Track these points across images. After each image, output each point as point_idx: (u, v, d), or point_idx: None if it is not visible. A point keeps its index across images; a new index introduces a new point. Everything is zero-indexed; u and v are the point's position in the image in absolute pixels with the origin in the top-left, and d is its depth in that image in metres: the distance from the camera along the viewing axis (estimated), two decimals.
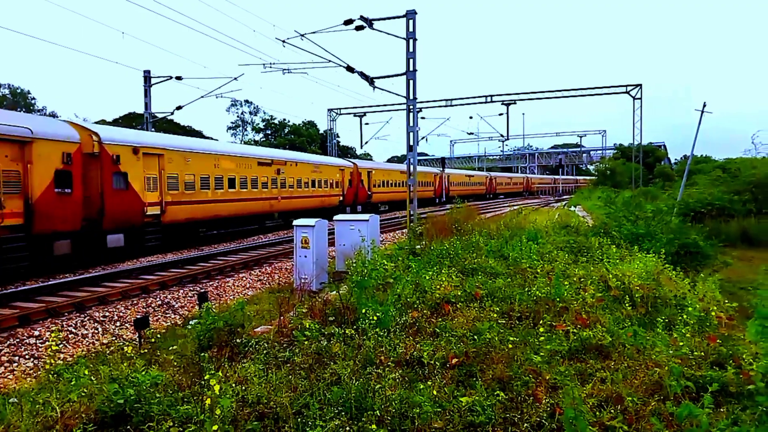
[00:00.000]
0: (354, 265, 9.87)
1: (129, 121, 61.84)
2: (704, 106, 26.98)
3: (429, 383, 4.44)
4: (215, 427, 3.44)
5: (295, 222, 13.05)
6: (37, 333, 9.63)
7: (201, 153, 21.50)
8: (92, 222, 16.02)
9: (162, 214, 18.86)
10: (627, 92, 44.78)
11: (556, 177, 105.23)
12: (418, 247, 13.19)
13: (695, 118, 27.24)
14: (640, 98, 44.45)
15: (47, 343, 8.92)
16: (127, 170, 17.24)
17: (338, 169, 34.77)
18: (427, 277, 7.90)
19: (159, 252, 19.16)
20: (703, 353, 4.99)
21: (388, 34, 20.67)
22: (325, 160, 35.44)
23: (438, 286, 7.46)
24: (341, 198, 34.64)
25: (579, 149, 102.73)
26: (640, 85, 44.40)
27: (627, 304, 6.86)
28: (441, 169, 55.89)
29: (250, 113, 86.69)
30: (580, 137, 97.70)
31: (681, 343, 5.09)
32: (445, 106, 47.84)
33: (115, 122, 62.29)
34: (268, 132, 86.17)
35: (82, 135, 15.88)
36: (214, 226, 22.61)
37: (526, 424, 3.88)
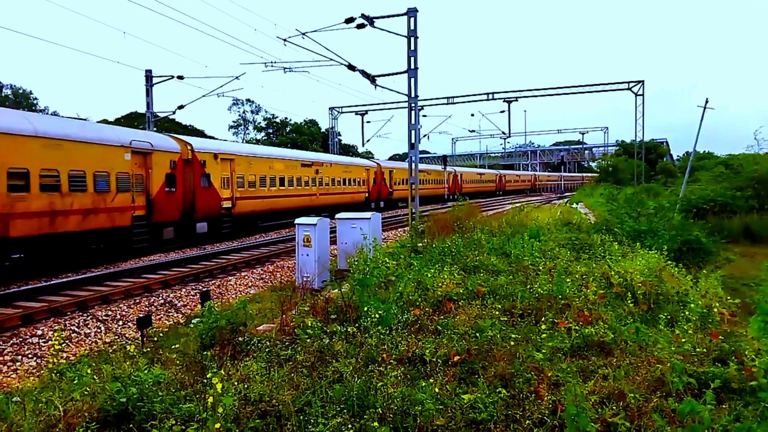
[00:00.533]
0: (356, 263, 9.88)
1: (131, 120, 61.91)
2: (707, 102, 26.91)
3: (431, 381, 4.44)
4: (218, 425, 3.45)
5: (297, 221, 13.06)
6: (39, 332, 9.66)
7: (260, 157, 25.98)
8: (186, 213, 20.23)
9: (232, 207, 23.04)
10: (629, 89, 44.69)
11: (563, 174, 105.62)
12: (420, 245, 13.18)
13: (697, 115, 27.18)
14: (642, 94, 44.37)
15: (50, 342, 8.93)
16: (210, 172, 21.46)
17: (365, 169, 38.79)
18: (429, 275, 7.90)
19: (231, 238, 22.97)
20: (705, 350, 4.98)
21: (390, 32, 20.66)
22: (354, 161, 39.49)
23: (440, 284, 7.46)
24: (367, 194, 38.63)
25: (581, 146, 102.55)
26: (642, 81, 44.33)
27: (629, 301, 6.86)
28: (443, 167, 55.90)
29: (252, 112, 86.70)
30: (582, 134, 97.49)
31: (683, 340, 5.08)
32: (447, 103, 47.81)
33: (117, 122, 62.37)
34: (270, 131, 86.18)
35: (181, 145, 20.14)
36: (269, 218, 26.99)
37: (528, 421, 3.88)
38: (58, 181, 14.63)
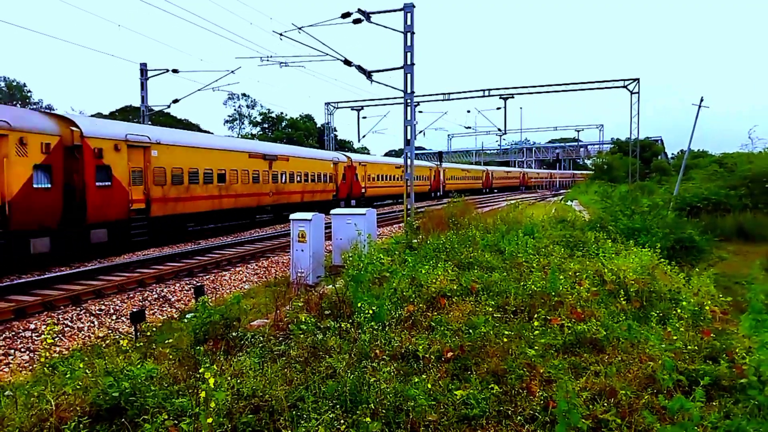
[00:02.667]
0: (350, 259, 9.88)
1: (125, 114, 61.53)
2: (701, 100, 26.99)
3: (424, 377, 4.46)
4: (210, 420, 3.45)
5: (292, 216, 13.04)
6: (32, 326, 9.62)
7: (377, 163, 44.61)
8: (348, 194, 36.75)
9: (365, 192, 39.74)
10: (625, 86, 44.72)
11: (575, 172, 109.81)
12: (415, 241, 13.20)
13: (693, 113, 27.25)
14: (638, 92, 44.39)
15: (43, 336, 8.90)
16: (358, 172, 38.35)
17: (429, 169, 56.49)
18: (423, 271, 7.91)
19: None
20: (696, 347, 5.02)
21: (386, 27, 20.60)
22: (423, 164, 57.43)
23: (434, 280, 7.48)
24: (429, 187, 56.02)
25: (576, 144, 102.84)
26: (638, 79, 44.33)
27: (622, 299, 6.89)
28: (438, 163, 56.57)
29: (248, 107, 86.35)
30: (578, 131, 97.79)
31: (675, 337, 5.11)
32: (443, 100, 47.74)
33: (112, 115, 61.98)
34: (266, 126, 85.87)
35: (347, 158, 37.26)
36: (381, 199, 45.10)
37: (519, 417, 3.90)
38: (315, 178, 31.75)
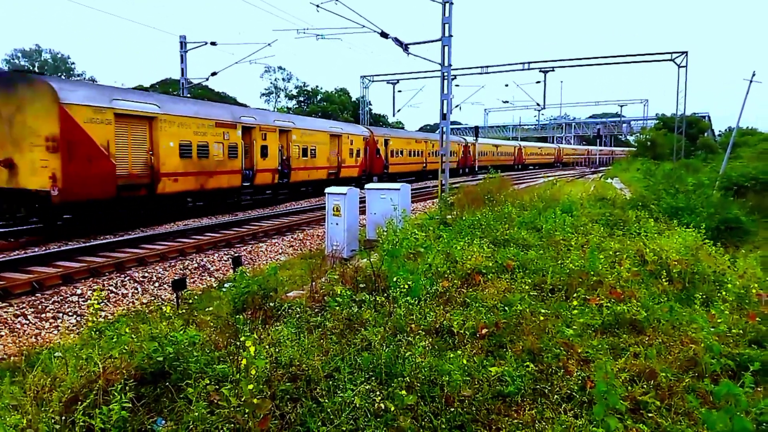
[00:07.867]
0: (385, 233, 9.89)
1: (165, 87, 62.51)
2: (753, 75, 25.67)
3: (459, 352, 4.46)
4: (251, 387, 3.53)
5: (327, 190, 13.11)
6: (79, 291, 10.03)
7: (485, 144, 57.18)
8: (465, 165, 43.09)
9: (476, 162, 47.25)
10: (672, 60, 42.86)
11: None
12: (449, 217, 13.12)
13: (743, 88, 25.99)
14: (686, 66, 42.52)
15: (89, 301, 9.26)
16: (477, 149, 49.51)
17: (553, 149, 75.79)
18: (458, 248, 7.86)
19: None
20: (741, 331, 4.87)
21: None
22: (547, 146, 78.72)
23: (469, 257, 7.43)
24: (554, 159, 75.55)
25: (619, 119, 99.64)
26: (686, 52, 42.41)
27: (664, 280, 6.72)
28: (475, 138, 55.71)
29: (284, 80, 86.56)
30: (621, 106, 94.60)
31: (719, 320, 4.97)
32: (481, 73, 46.73)
33: (152, 87, 63.04)
34: (301, 99, 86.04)
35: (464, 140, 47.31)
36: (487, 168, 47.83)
37: (556, 396, 3.88)
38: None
